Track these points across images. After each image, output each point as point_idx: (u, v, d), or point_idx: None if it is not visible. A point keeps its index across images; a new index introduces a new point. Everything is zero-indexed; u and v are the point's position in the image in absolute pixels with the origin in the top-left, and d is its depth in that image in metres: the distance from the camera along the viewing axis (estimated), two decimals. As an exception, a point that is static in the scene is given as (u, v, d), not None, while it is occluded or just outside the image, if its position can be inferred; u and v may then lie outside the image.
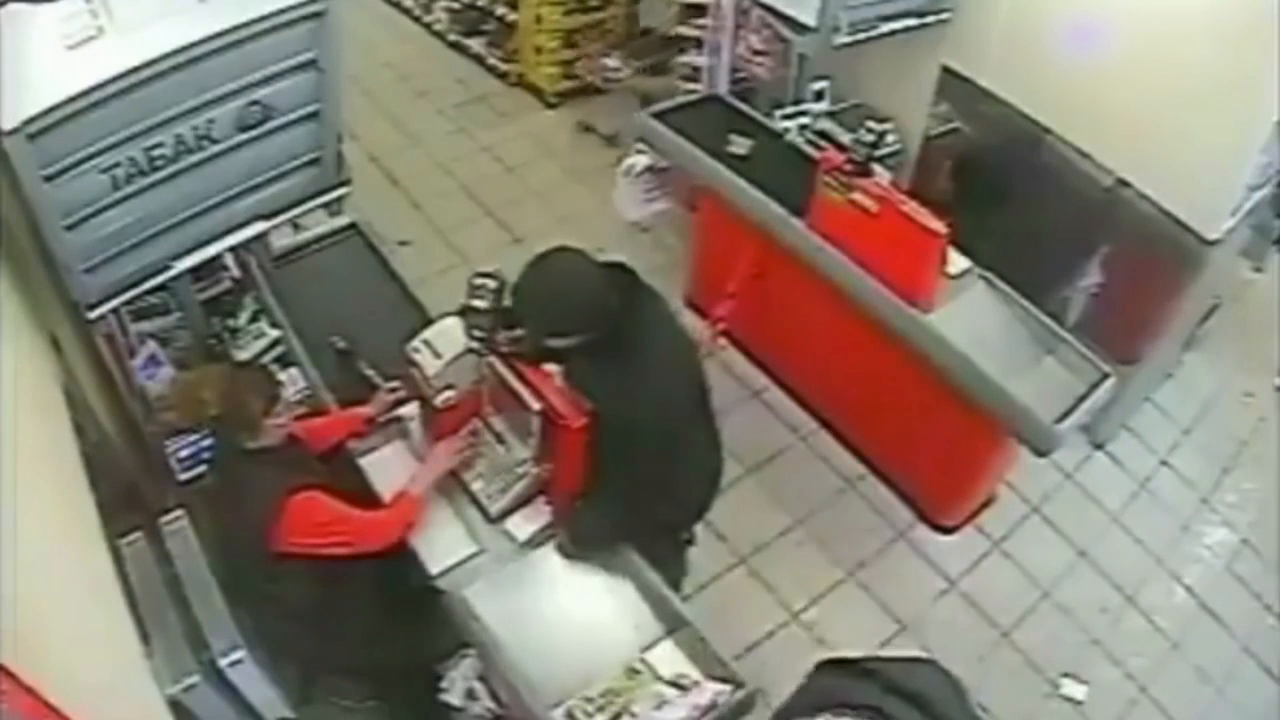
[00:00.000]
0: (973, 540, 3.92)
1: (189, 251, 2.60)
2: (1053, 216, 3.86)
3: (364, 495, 2.64)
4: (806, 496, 3.94)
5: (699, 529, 2.96)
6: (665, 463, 2.40)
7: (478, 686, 2.66)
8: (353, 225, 3.51)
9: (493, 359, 2.58)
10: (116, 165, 2.28)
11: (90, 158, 2.22)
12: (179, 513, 2.57)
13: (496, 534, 2.62)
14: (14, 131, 2.02)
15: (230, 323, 3.22)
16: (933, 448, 3.73)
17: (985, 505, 3.99)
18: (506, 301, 2.49)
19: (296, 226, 3.30)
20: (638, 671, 2.36)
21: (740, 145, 4.09)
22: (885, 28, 3.83)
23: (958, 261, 3.54)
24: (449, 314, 2.63)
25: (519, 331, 2.54)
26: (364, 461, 2.78)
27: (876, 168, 3.55)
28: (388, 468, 2.76)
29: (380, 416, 2.83)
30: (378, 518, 2.50)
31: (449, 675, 2.67)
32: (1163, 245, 3.62)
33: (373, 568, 2.51)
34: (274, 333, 3.14)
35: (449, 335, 2.62)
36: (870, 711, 1.39)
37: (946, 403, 3.46)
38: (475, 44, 6.23)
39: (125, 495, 2.79)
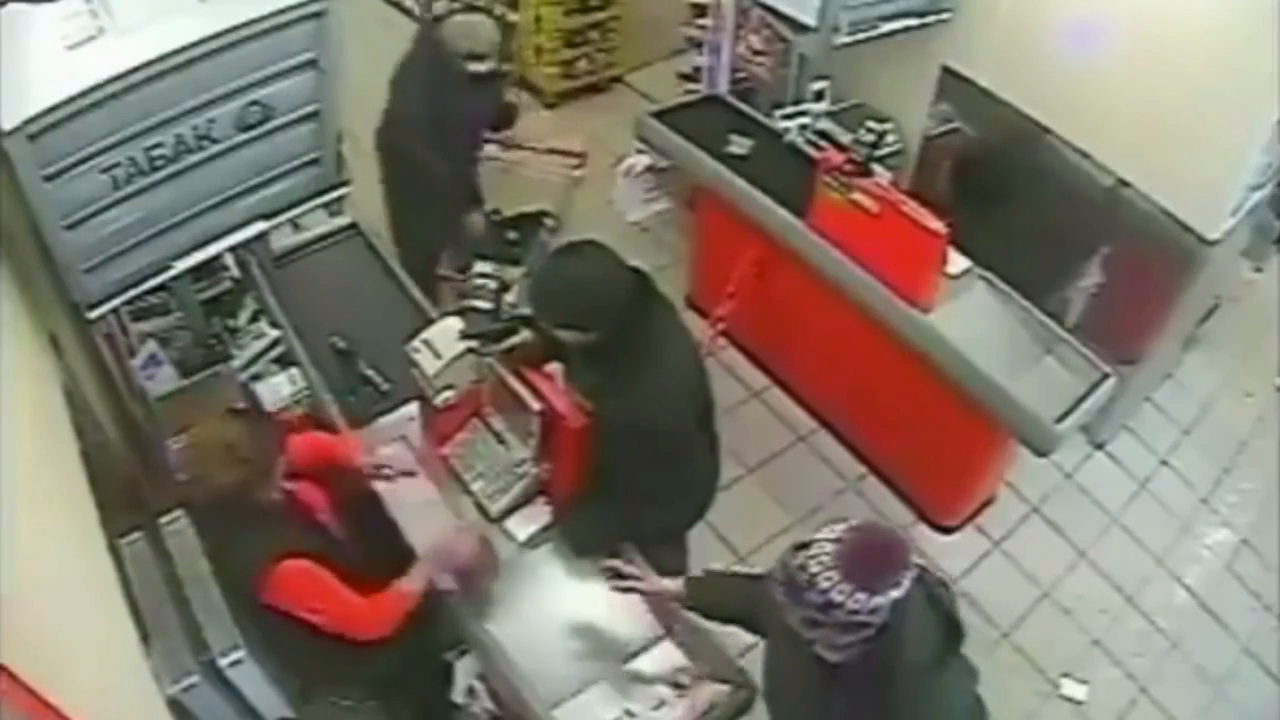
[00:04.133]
0: (973, 540, 3.92)
1: (189, 251, 2.60)
2: (1053, 216, 3.86)
3: (371, 563, 2.46)
4: (806, 496, 3.94)
5: (697, 530, 2.96)
6: (663, 469, 2.40)
7: (477, 686, 2.66)
8: (353, 225, 3.50)
9: (493, 359, 2.58)
10: (116, 165, 2.28)
11: (90, 158, 2.22)
12: (179, 513, 2.57)
13: (496, 534, 2.62)
14: (14, 131, 2.02)
15: (230, 323, 3.22)
16: (933, 448, 3.74)
17: (985, 505, 3.99)
18: (504, 312, 2.48)
19: (296, 226, 3.30)
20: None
21: (740, 145, 4.08)
22: (885, 28, 3.83)
23: (958, 261, 3.54)
24: (449, 314, 2.63)
25: (517, 339, 2.54)
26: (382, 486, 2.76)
27: (876, 168, 3.55)
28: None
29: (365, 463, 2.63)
30: (363, 608, 2.30)
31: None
32: (1163, 245, 3.62)
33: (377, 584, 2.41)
34: (274, 333, 3.13)
35: (449, 335, 2.62)
36: None
37: (946, 403, 3.46)
38: (475, 44, 6.22)
39: (125, 495, 2.79)
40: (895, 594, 1.55)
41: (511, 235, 4.24)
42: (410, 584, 2.34)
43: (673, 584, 2.31)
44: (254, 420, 2.40)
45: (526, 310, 2.45)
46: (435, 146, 3.57)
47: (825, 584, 1.54)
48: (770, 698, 2.07)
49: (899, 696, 1.65)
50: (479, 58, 3.47)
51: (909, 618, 1.59)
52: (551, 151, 4.35)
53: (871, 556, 1.57)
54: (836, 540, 1.57)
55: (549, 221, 4.33)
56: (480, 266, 3.85)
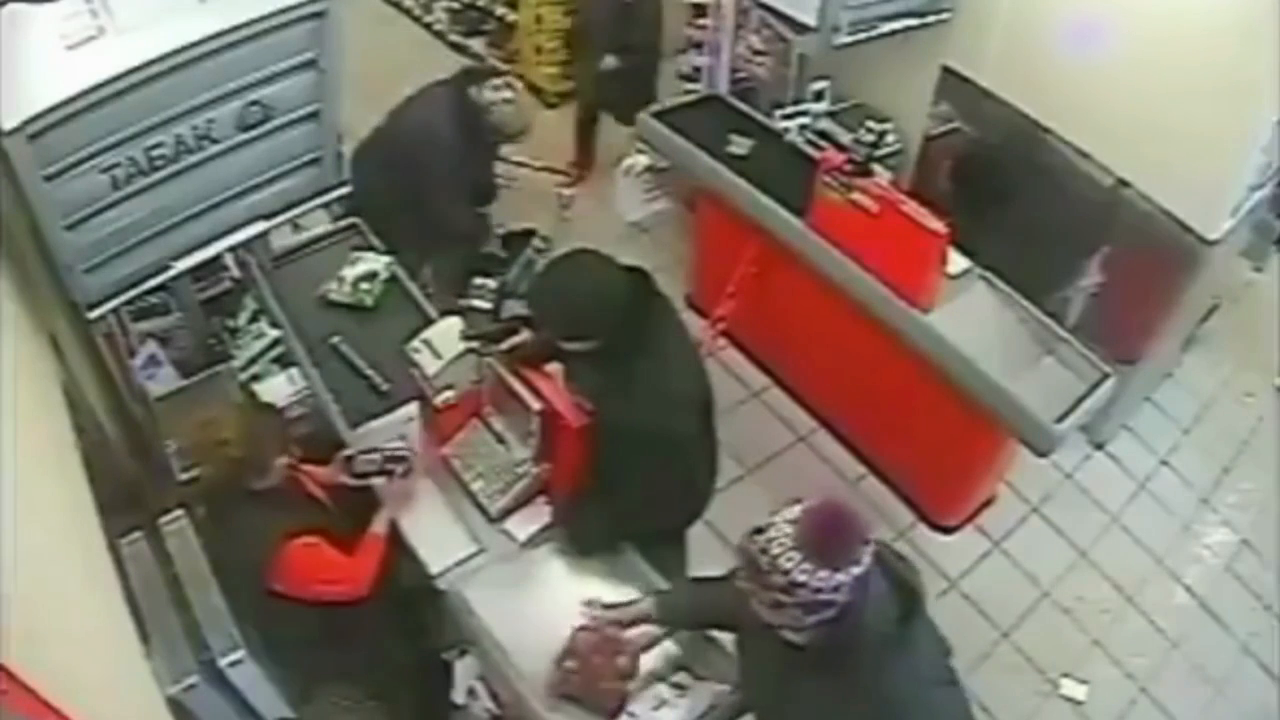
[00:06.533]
0: (973, 540, 3.92)
1: (189, 251, 2.60)
2: (1053, 217, 3.86)
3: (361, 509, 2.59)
4: (806, 496, 3.92)
5: (697, 530, 2.96)
6: (662, 469, 2.40)
7: (477, 686, 2.66)
8: (353, 225, 3.50)
9: (493, 359, 2.58)
10: (116, 165, 2.28)
11: (90, 158, 2.22)
12: (179, 513, 2.57)
13: (496, 534, 2.62)
14: (14, 131, 2.02)
15: (230, 323, 3.22)
16: (933, 448, 3.73)
17: (985, 505, 3.99)
18: (505, 311, 2.48)
19: (296, 226, 3.30)
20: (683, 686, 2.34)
21: (740, 145, 4.09)
22: (885, 28, 3.84)
23: (958, 261, 3.54)
24: (449, 314, 2.63)
25: (520, 338, 2.54)
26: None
27: (876, 168, 3.55)
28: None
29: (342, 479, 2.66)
30: (354, 567, 2.43)
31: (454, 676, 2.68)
32: (1163, 245, 3.62)
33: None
34: (274, 333, 3.13)
35: (449, 335, 2.62)
36: None
37: (946, 403, 3.46)
38: (475, 44, 6.23)
39: (125, 495, 2.79)
40: (856, 570, 1.57)
41: (501, 254, 4.28)
42: (378, 527, 2.50)
43: (639, 607, 2.30)
44: (257, 410, 2.44)
45: (526, 311, 2.45)
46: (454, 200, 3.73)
47: (788, 564, 1.55)
48: (746, 690, 2.08)
49: (864, 670, 1.66)
50: (510, 138, 3.72)
51: (867, 591, 1.61)
52: (546, 169, 4.36)
53: (831, 534, 1.59)
54: (794, 521, 1.60)
55: (537, 241, 4.36)
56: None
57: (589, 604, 2.32)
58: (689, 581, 2.41)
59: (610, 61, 4.60)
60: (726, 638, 2.29)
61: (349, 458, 2.60)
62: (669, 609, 2.27)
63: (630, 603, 2.30)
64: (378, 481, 2.59)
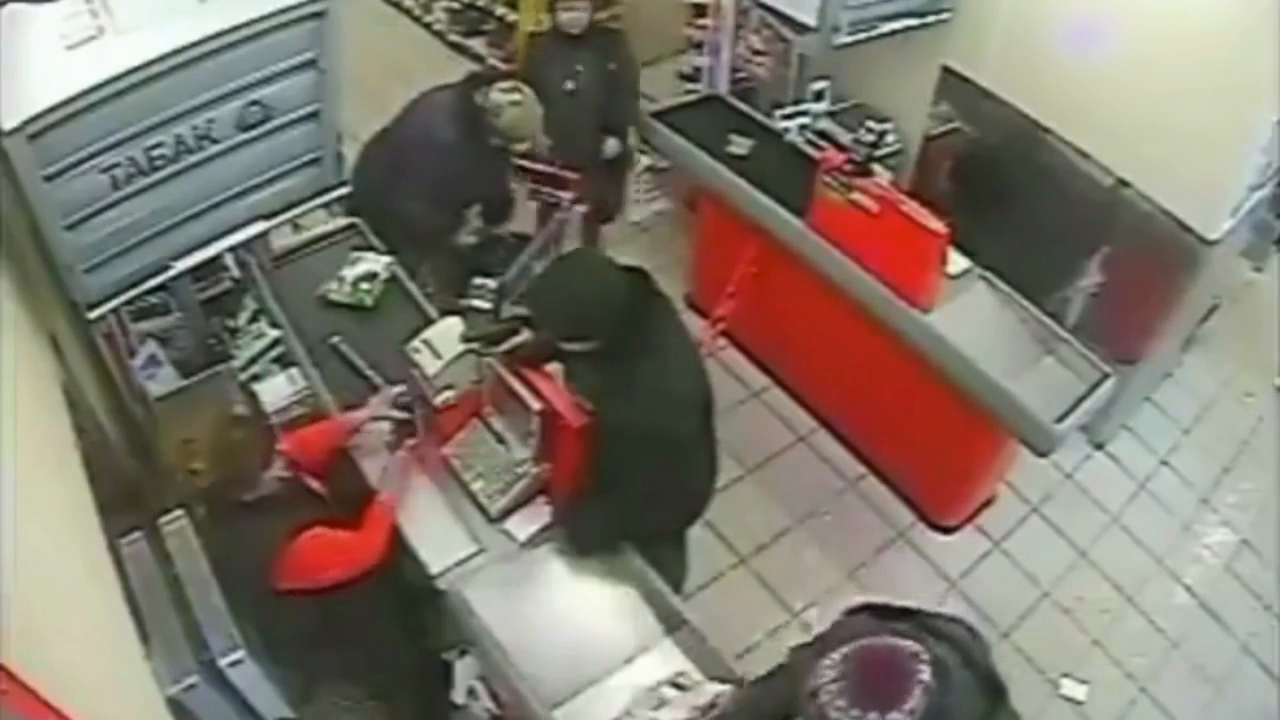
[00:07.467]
0: (973, 540, 3.92)
1: (189, 252, 2.60)
2: (1053, 217, 3.86)
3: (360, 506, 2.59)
4: (806, 496, 3.94)
5: (697, 530, 2.96)
6: (662, 469, 2.40)
7: (478, 686, 2.66)
8: (353, 225, 3.50)
9: (493, 359, 2.58)
10: (116, 165, 2.28)
11: (90, 158, 2.22)
12: (179, 513, 2.57)
13: (496, 534, 2.62)
14: (14, 131, 2.02)
15: (230, 323, 3.22)
16: (933, 448, 3.74)
17: (985, 505, 3.99)
18: (506, 310, 2.48)
19: (296, 226, 3.30)
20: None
21: (740, 145, 4.09)
22: (885, 28, 3.83)
23: (958, 261, 3.54)
24: (449, 314, 2.63)
25: (520, 338, 2.54)
26: (366, 464, 2.77)
27: (876, 168, 3.55)
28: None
29: (369, 422, 2.73)
30: (360, 540, 2.44)
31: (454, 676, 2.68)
32: (1163, 245, 3.62)
33: (371, 578, 2.47)
34: (274, 333, 3.13)
35: (449, 335, 2.62)
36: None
37: (946, 403, 3.46)
38: (475, 44, 6.23)
39: (125, 495, 2.79)
40: (919, 688, 1.44)
41: (499, 254, 4.26)
42: (384, 497, 2.51)
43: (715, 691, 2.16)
44: (243, 437, 2.43)
45: (526, 311, 2.45)
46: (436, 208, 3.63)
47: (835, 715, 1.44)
48: None
49: None
50: (519, 141, 3.62)
51: (951, 692, 1.48)
52: (544, 174, 4.35)
53: (876, 676, 1.47)
54: (839, 678, 1.47)
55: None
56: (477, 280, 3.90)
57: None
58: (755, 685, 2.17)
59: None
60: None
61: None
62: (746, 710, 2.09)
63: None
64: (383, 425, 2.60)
